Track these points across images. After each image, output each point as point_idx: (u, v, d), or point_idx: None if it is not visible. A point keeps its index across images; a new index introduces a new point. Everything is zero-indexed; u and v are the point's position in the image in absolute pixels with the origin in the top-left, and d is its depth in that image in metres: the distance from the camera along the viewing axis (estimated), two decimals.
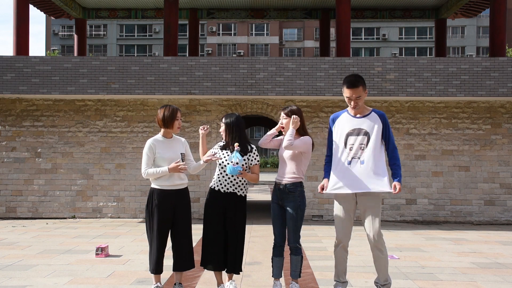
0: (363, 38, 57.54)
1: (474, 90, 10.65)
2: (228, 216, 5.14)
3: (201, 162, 5.22)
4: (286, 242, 5.20)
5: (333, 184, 4.92)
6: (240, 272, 5.25)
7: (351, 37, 53.42)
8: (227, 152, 5.16)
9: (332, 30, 42.45)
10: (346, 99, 4.96)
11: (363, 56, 44.67)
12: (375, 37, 57.50)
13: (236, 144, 5.08)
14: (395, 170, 4.92)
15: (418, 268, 6.60)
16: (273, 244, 5.23)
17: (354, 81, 4.86)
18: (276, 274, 5.20)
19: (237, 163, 4.99)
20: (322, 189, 5.04)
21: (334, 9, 16.43)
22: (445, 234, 9.64)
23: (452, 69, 10.71)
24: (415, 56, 43.96)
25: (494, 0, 13.24)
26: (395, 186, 4.81)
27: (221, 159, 5.15)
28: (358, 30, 57.22)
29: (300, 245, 5.13)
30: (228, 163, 5.06)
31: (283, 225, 5.17)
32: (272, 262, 5.23)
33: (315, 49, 56.64)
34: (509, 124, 11.47)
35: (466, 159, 11.43)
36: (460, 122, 11.48)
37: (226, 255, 5.14)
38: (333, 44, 43.45)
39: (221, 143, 5.27)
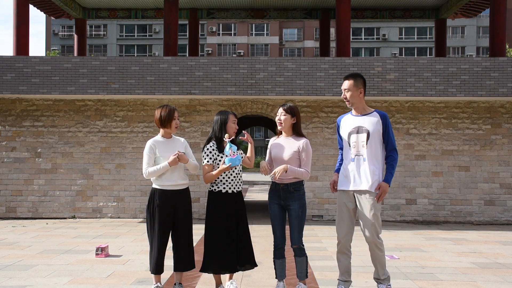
0: (363, 38, 57.54)
1: (474, 90, 10.65)
2: (239, 216, 5.08)
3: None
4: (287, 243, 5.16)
5: (339, 181, 5.06)
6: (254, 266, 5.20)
7: (351, 37, 53.43)
8: (222, 152, 5.05)
9: (332, 30, 42.44)
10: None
11: (363, 56, 44.67)
12: (375, 37, 57.50)
13: (226, 136, 4.97)
14: (387, 169, 4.97)
15: (418, 268, 6.60)
16: (273, 246, 5.14)
17: (347, 75, 5.11)
18: (280, 276, 5.14)
19: (235, 153, 4.89)
20: (333, 186, 5.10)
21: (334, 9, 16.43)
22: (445, 234, 9.64)
23: (452, 69, 10.71)
24: (415, 56, 43.98)
25: (494, 0, 13.24)
26: (379, 185, 4.85)
27: (221, 159, 5.07)
28: (358, 30, 57.22)
29: (303, 245, 5.05)
30: (226, 156, 4.91)
31: (283, 226, 5.11)
32: (274, 264, 5.14)
33: (315, 49, 56.64)
34: (509, 124, 11.47)
35: (466, 159, 11.43)
36: (460, 122, 11.48)
37: (237, 255, 5.04)
38: (333, 44, 43.46)
39: (213, 145, 5.07)
